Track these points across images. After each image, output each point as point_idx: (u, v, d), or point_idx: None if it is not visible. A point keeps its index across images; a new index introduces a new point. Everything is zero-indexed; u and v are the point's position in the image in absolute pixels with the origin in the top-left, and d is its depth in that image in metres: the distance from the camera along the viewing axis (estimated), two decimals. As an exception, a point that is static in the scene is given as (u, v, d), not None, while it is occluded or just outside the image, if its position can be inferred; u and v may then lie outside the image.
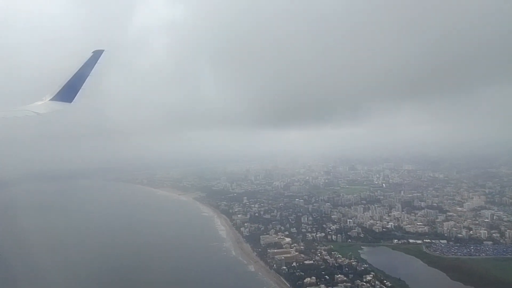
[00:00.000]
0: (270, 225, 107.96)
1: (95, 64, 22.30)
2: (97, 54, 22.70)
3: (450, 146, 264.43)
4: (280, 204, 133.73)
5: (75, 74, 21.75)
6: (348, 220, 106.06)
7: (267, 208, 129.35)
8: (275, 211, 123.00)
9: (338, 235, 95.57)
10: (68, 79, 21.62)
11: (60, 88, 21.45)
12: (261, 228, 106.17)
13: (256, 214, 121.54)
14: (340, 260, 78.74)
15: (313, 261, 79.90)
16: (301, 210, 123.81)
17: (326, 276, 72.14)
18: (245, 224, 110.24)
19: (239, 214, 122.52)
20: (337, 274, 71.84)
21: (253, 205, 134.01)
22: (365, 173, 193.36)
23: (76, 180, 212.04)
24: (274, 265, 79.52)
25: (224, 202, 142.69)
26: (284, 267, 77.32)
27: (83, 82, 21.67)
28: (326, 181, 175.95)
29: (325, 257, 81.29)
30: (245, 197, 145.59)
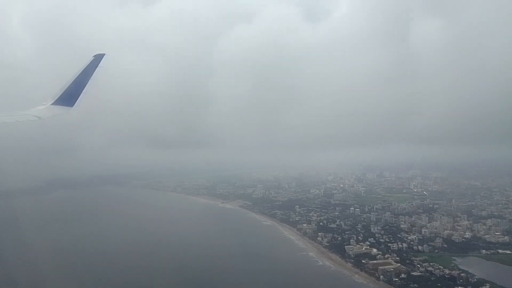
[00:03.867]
0: (345, 235, 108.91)
1: (96, 68, 22.56)
2: (98, 58, 23.03)
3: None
4: (336, 213, 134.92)
5: (76, 79, 22.06)
6: (423, 230, 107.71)
7: (325, 217, 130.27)
8: (338, 221, 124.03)
9: (424, 245, 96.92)
10: (69, 84, 21.96)
11: (61, 93, 21.77)
12: (338, 238, 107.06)
13: (321, 224, 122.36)
14: (447, 272, 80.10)
15: (420, 272, 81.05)
16: (363, 219, 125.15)
17: (444, 288, 73.43)
18: (319, 234, 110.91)
19: (303, 224, 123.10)
20: (456, 286, 73.04)
21: (310, 214, 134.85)
22: (397, 180, 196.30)
23: (105, 187, 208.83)
24: (381, 277, 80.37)
25: (277, 211, 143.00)
26: (396, 279, 78.32)
27: (84, 87, 21.95)
28: (365, 189, 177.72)
29: (428, 268, 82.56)
30: (297, 206, 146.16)
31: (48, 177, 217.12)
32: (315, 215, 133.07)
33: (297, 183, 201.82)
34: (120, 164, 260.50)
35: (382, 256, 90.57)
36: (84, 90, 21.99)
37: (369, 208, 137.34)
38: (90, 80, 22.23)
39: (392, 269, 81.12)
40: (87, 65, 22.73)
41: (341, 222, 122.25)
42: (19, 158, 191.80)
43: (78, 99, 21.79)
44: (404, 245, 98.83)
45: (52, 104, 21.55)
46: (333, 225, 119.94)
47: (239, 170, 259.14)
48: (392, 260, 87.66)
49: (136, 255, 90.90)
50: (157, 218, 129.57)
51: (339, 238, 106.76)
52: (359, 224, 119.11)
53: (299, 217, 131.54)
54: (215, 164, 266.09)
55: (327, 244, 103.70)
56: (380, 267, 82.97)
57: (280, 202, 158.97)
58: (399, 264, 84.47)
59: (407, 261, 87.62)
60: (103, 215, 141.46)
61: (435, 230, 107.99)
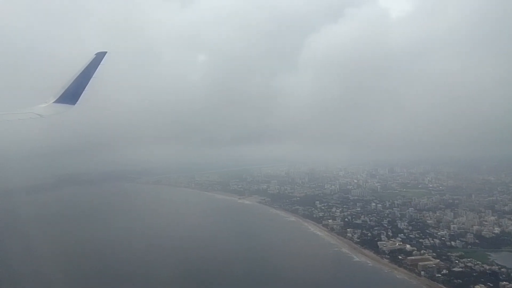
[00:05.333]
0: (374, 231, 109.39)
1: (98, 66, 22.69)
2: (99, 56, 23.11)
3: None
4: (358, 209, 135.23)
5: (78, 76, 22.21)
6: (451, 225, 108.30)
7: (348, 213, 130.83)
8: (362, 216, 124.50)
9: (457, 240, 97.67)
10: (71, 81, 22.12)
11: (63, 90, 21.92)
12: (368, 234, 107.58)
13: (346, 220, 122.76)
14: (486, 267, 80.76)
15: (460, 268, 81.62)
16: (387, 215, 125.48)
17: (489, 283, 74.02)
18: (347, 229, 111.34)
19: (328, 220, 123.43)
20: (501, 281, 73.68)
21: (332, 210, 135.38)
22: (410, 176, 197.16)
23: (117, 183, 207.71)
24: (422, 272, 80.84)
25: (298, 207, 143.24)
26: (439, 275, 78.83)
27: (86, 84, 22.12)
28: (380, 184, 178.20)
29: (467, 264, 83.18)
30: (317, 202, 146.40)
31: (59, 174, 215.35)
32: (338, 211, 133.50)
33: (309, 178, 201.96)
34: (134, 161, 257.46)
35: (418, 252, 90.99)
36: (86, 88, 22.08)
37: (390, 203, 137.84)
38: (92, 78, 22.29)
39: (433, 265, 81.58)
40: (89, 63, 22.70)
41: (365, 218, 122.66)
42: (33, 155, 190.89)
43: (81, 97, 21.86)
44: (436, 240, 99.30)
45: (54, 102, 21.58)
46: (358, 221, 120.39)
47: (248, 166, 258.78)
48: (429, 256, 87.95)
49: (178, 251, 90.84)
50: (181, 214, 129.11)
51: (369, 234, 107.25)
52: (384, 220, 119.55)
53: (322, 213, 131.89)
54: (224, 160, 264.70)
55: (358, 240, 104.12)
56: (419, 263, 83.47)
57: (297, 198, 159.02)
58: (438, 260, 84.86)
59: (444, 257, 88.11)
60: (123, 211, 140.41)
61: (463, 225, 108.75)
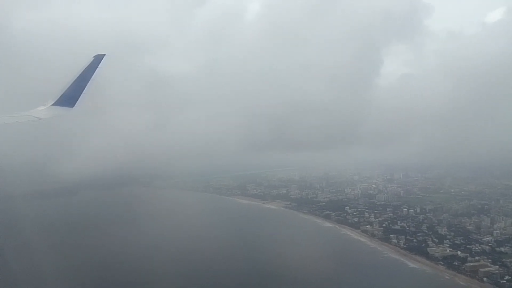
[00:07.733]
0: (418, 237, 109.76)
1: (96, 68, 23.05)
2: (98, 59, 23.51)
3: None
4: (390, 214, 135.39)
5: (76, 79, 22.56)
6: (494, 231, 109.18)
7: (383, 218, 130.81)
8: (399, 222, 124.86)
9: (506, 246, 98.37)
10: (70, 84, 22.45)
11: (62, 93, 22.22)
12: (413, 240, 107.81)
13: (384, 225, 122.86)
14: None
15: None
16: (423, 220, 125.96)
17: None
18: (391, 235, 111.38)
19: (366, 225, 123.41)
20: None
21: (365, 215, 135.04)
22: (427, 181, 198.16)
23: (133, 188, 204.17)
24: (484, 279, 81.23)
25: (328, 212, 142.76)
26: (503, 281, 79.27)
27: (85, 87, 22.43)
28: (401, 189, 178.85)
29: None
30: (347, 207, 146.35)
31: (73, 179, 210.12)
32: (371, 216, 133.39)
33: (326, 183, 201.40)
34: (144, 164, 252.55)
35: (473, 259, 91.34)
36: (84, 90, 22.15)
37: (421, 209, 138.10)
38: (90, 81, 22.39)
39: (496, 272, 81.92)
40: (88, 66, 22.77)
41: (402, 223, 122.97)
42: (46, 159, 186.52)
43: (79, 99, 21.90)
44: (484, 246, 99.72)
45: (52, 104, 21.60)
46: (397, 227, 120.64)
47: (257, 170, 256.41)
48: (485, 262, 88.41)
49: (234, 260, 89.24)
50: (217, 221, 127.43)
51: (414, 240, 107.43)
52: (423, 226, 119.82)
53: (357, 219, 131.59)
54: (233, 164, 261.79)
55: (405, 246, 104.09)
56: (480, 270, 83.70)
57: (323, 203, 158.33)
58: (497, 266, 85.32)
59: (499, 263, 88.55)
60: (150, 218, 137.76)
61: (505, 231, 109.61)
